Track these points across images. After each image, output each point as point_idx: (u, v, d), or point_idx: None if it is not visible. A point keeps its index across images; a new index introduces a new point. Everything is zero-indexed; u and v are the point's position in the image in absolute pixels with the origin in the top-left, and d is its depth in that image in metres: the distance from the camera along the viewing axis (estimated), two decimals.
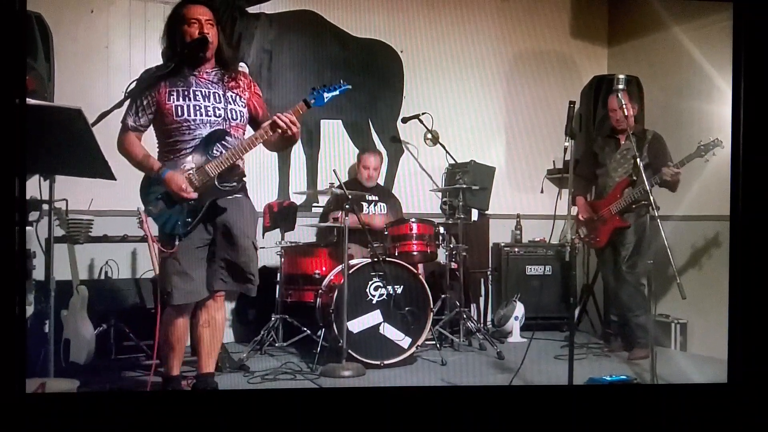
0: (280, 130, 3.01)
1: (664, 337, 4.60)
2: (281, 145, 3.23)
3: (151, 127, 3.10)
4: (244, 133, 3.17)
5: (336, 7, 5.08)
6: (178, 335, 3.13)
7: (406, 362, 4.10)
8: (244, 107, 3.14)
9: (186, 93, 3.03)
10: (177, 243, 3.00)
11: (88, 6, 4.49)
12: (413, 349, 4.11)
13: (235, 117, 3.10)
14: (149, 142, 3.11)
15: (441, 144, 5.09)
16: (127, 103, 2.99)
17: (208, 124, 3.04)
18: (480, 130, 5.44)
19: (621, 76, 3.88)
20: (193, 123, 3.02)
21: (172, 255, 3.01)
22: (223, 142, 3.05)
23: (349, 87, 3.19)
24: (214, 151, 3.03)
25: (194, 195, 3.00)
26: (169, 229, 3.02)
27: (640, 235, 4.19)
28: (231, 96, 3.10)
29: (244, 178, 3.20)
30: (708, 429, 2.97)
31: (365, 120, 5.27)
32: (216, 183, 3.03)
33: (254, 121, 3.20)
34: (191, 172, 3.00)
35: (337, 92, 3.15)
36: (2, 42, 2.69)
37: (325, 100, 3.13)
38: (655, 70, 5.01)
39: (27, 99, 2.96)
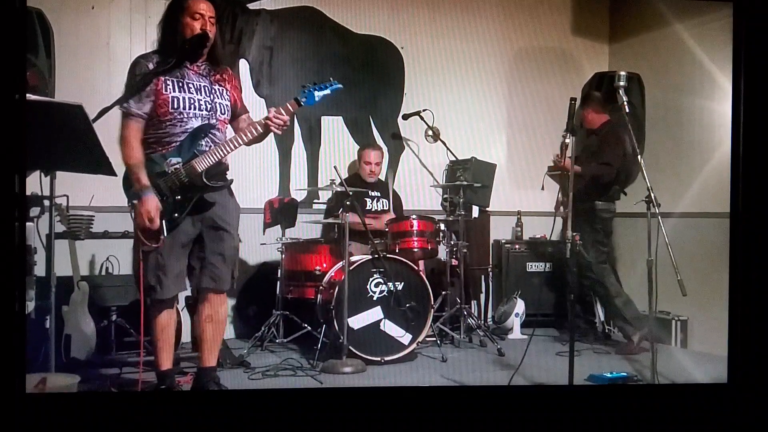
0: (273, 129, 3.03)
1: (664, 334, 4.60)
2: (257, 141, 3.21)
3: None
4: (227, 128, 3.17)
5: (336, 3, 5.06)
6: (162, 327, 3.14)
7: (406, 359, 4.10)
8: (229, 101, 3.15)
9: (181, 84, 3.02)
10: (162, 237, 2.96)
11: (89, 2, 4.48)
12: (414, 345, 4.11)
13: (222, 111, 3.11)
14: None
15: (442, 141, 5.08)
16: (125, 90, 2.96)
17: (198, 118, 3.03)
18: (481, 127, 5.42)
19: (622, 73, 3.86)
20: (185, 116, 3.01)
21: (157, 250, 2.98)
22: (211, 136, 3.04)
23: (341, 86, 3.16)
24: (203, 145, 3.01)
25: (156, 225, 2.92)
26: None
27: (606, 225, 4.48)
28: (217, 90, 3.11)
29: (227, 172, 3.18)
30: (708, 429, 2.97)
31: (366, 116, 5.26)
32: (203, 179, 3.00)
33: (232, 114, 3.19)
34: (178, 166, 2.98)
35: (328, 91, 3.12)
36: (2, 38, 2.68)
37: (316, 98, 3.10)
38: (656, 68, 5.01)
39: (28, 95, 2.95)
